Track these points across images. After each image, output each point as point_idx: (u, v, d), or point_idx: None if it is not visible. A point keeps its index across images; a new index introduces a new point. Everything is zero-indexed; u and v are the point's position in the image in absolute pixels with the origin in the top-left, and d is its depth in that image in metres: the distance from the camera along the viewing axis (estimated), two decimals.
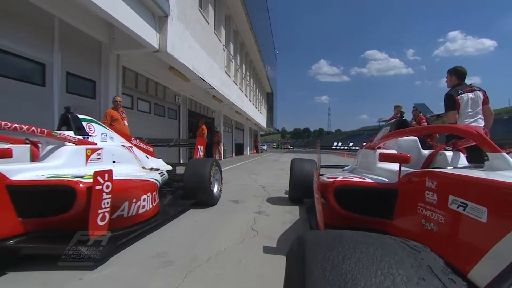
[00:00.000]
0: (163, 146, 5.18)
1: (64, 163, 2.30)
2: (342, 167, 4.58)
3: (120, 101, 6.07)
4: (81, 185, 1.93)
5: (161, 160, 4.51)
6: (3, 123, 1.98)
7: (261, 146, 39.24)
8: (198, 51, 9.37)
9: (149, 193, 2.78)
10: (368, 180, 2.14)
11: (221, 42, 13.36)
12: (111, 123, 5.32)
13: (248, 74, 22.62)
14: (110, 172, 2.04)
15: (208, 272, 1.98)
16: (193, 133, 12.63)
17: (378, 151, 2.55)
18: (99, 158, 2.66)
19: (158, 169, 3.74)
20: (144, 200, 2.67)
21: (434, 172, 1.53)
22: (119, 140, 3.32)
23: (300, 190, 4.13)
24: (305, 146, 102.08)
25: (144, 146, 4.05)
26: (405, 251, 0.73)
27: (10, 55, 4.62)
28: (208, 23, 11.13)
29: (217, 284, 1.82)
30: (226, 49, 14.28)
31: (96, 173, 1.93)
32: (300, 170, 4.17)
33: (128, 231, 2.45)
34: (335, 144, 55.54)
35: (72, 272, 1.92)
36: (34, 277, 1.88)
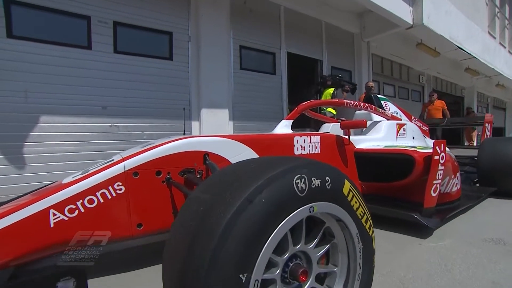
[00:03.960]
0: (434, 127, 4.73)
1: (384, 137, 2.57)
2: None
3: (372, 86, 6.25)
4: (417, 154, 2.02)
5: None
6: (347, 101, 2.48)
7: None
8: (455, 15, 7.81)
9: (458, 173, 2.55)
10: None
11: None
12: None
13: None
14: (444, 143, 2.01)
15: None
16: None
17: None
18: (404, 134, 2.76)
19: None
20: (457, 178, 2.47)
21: None
22: (405, 118, 3.33)
23: None
24: None
25: (421, 125, 3.84)
26: None
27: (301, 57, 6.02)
28: None
29: None
30: (489, 1, 11.02)
31: (436, 143, 1.95)
32: None
33: (443, 207, 2.36)
34: None
35: (408, 237, 2.06)
36: (375, 232, 2.19)
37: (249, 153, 1.72)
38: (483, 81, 14.23)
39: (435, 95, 8.02)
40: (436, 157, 1.95)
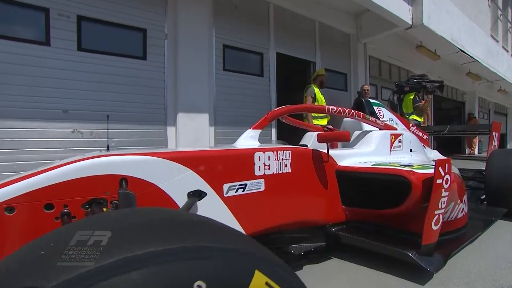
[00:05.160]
0: (434, 135, 4.30)
1: (374, 150, 2.13)
2: None
3: (368, 90, 5.84)
4: (415, 176, 1.59)
5: (436, 151, 3.68)
6: (329, 107, 2.05)
7: None
8: (456, 15, 7.42)
9: (465, 196, 2.11)
10: None
11: None
12: None
13: None
14: (450, 162, 1.57)
15: None
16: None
17: None
18: (400, 146, 2.33)
19: None
20: (464, 202, 2.04)
21: None
22: (402, 126, 2.90)
23: None
24: None
25: (421, 134, 3.41)
26: None
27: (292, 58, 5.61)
28: None
29: None
30: (492, 3, 10.64)
31: (438, 163, 1.52)
32: None
33: (446, 239, 1.92)
34: None
35: (402, 282, 1.62)
36: (359, 270, 1.76)
37: (188, 177, 1.28)
38: (485, 86, 13.85)
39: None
40: (439, 181, 1.51)
